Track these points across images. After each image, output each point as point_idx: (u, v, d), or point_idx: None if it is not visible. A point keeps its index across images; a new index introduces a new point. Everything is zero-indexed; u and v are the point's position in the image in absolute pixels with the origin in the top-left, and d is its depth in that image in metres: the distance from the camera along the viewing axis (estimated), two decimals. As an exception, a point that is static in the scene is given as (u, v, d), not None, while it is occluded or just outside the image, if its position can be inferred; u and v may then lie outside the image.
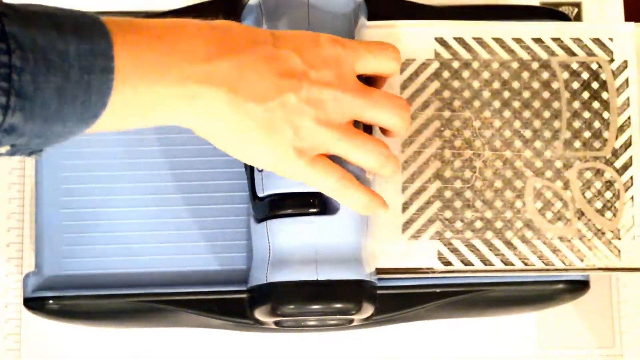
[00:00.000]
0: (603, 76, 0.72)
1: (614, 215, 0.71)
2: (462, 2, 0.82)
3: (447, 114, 0.72)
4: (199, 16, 0.74)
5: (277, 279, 0.67)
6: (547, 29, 0.73)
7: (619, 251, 0.71)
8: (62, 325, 0.75)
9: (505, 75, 0.72)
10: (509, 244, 0.70)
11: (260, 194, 0.68)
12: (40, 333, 0.77)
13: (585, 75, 0.72)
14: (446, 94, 0.72)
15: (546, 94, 0.72)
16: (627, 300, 0.79)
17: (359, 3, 0.72)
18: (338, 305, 0.67)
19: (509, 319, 0.78)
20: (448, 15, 0.75)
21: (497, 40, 0.73)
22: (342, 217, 0.67)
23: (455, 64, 0.73)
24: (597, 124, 0.72)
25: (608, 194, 0.71)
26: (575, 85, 0.72)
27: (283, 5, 0.70)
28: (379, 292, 0.70)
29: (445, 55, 0.73)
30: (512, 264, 0.70)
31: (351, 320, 0.70)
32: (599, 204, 0.71)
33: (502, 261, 0.70)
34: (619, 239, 0.71)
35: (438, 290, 0.71)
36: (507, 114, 0.72)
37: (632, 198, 0.71)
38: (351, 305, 0.67)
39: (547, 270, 0.70)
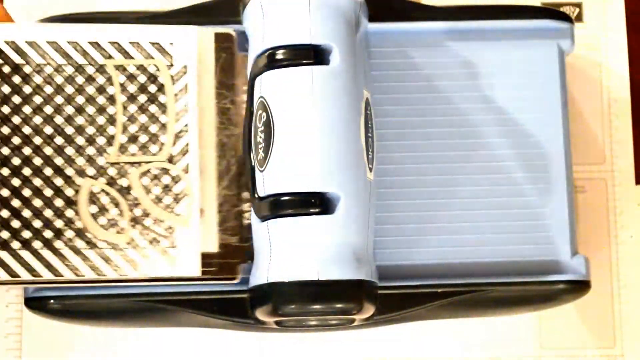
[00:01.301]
0: (161, 80, 0.71)
1: (175, 222, 0.70)
2: (462, 2, 0.82)
3: None
4: (199, 16, 0.74)
5: (278, 279, 0.67)
6: (104, 33, 0.71)
7: (174, 259, 0.70)
8: (62, 325, 0.75)
9: (59, 80, 0.71)
10: (58, 253, 0.69)
11: (261, 194, 0.69)
12: (41, 333, 0.77)
13: (142, 79, 0.71)
14: None
15: (102, 99, 0.71)
16: (628, 301, 0.79)
17: (360, 3, 0.72)
18: (339, 305, 0.67)
19: (510, 319, 0.78)
20: (448, 16, 0.75)
21: (52, 43, 0.71)
22: (343, 217, 0.67)
23: (6, 69, 0.71)
24: (154, 129, 0.71)
25: (167, 200, 0.70)
26: (132, 89, 0.71)
27: (284, 5, 0.70)
28: (380, 292, 0.70)
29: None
30: (62, 275, 0.69)
31: (352, 320, 0.70)
32: (157, 212, 0.70)
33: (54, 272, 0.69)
34: (175, 247, 0.70)
35: (439, 290, 0.71)
36: (59, 120, 0.70)
37: (188, 207, 0.71)
38: (352, 305, 0.67)
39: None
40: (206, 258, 0.71)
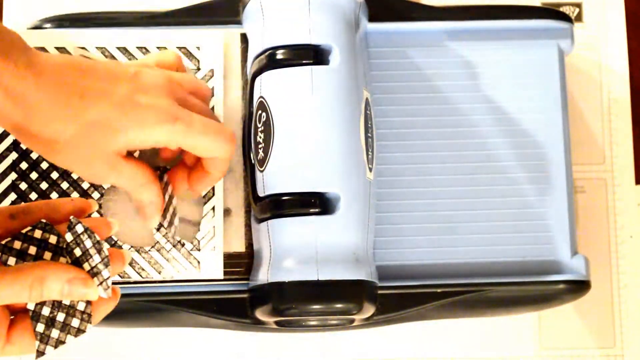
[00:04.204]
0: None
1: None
2: (463, 2, 0.82)
3: None
4: (199, 16, 0.74)
5: (278, 279, 0.67)
6: (131, 38, 0.72)
7: (199, 262, 0.70)
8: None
9: None
10: None
11: (261, 194, 0.68)
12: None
13: None
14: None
15: None
16: (627, 301, 0.79)
17: (360, 3, 0.72)
18: (339, 305, 0.67)
19: (510, 319, 0.78)
20: (448, 16, 0.75)
21: (81, 49, 0.72)
22: (343, 217, 0.67)
23: None
24: None
25: None
26: None
27: (284, 5, 0.70)
28: (379, 292, 0.70)
29: None
30: None
31: (352, 320, 0.70)
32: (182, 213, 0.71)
33: None
34: (199, 250, 0.70)
35: (439, 290, 0.71)
36: None
37: (213, 209, 0.71)
38: (352, 305, 0.67)
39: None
40: (233, 258, 0.71)
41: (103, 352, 0.78)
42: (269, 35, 0.70)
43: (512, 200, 0.73)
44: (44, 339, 0.57)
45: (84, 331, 0.58)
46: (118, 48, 0.72)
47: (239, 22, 0.73)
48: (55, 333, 0.58)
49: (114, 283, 0.58)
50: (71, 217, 0.58)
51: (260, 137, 0.69)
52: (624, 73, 0.82)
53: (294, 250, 0.67)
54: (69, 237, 0.58)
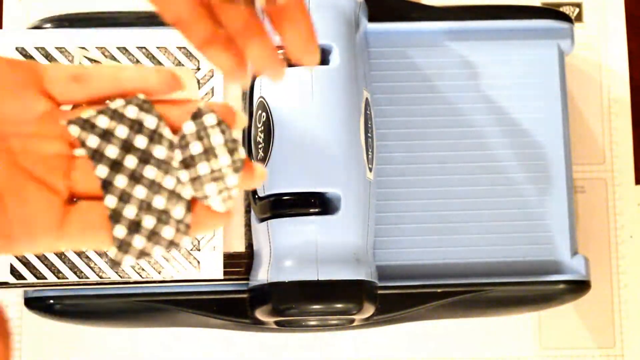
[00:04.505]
0: None
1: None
2: (463, 2, 0.82)
3: None
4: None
5: (278, 279, 0.67)
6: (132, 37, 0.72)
7: (199, 262, 0.70)
8: (62, 325, 0.75)
9: None
10: (83, 255, 0.70)
11: (261, 194, 0.68)
12: (41, 333, 0.77)
13: None
14: None
15: None
16: (627, 301, 0.79)
17: (360, 3, 0.72)
18: (339, 305, 0.67)
19: (510, 319, 0.78)
20: (448, 16, 0.75)
21: (81, 49, 0.72)
22: (343, 217, 0.67)
23: None
24: None
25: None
26: None
27: (284, 5, 0.70)
28: (379, 292, 0.70)
29: None
30: (87, 277, 0.69)
31: (352, 320, 0.70)
32: None
33: (75, 273, 0.70)
34: (199, 250, 0.70)
35: (439, 290, 0.71)
36: None
37: None
38: (352, 305, 0.67)
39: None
40: (233, 258, 0.71)
41: (103, 352, 0.78)
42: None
43: (512, 200, 0.73)
44: (123, 246, 0.47)
45: (177, 245, 0.47)
46: (118, 48, 0.72)
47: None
48: (139, 242, 0.47)
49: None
50: (201, 103, 0.48)
51: (260, 137, 0.69)
52: (624, 73, 0.82)
53: (294, 250, 0.67)
54: (189, 127, 0.47)
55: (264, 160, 0.68)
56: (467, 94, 0.74)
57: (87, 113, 0.47)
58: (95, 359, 0.78)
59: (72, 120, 0.47)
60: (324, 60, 0.69)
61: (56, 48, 0.72)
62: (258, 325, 0.71)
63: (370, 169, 0.70)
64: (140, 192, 0.47)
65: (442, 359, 0.78)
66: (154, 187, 0.47)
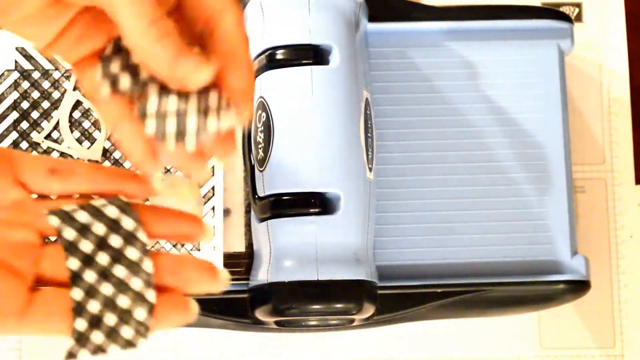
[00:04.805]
0: None
1: None
2: (463, 2, 0.82)
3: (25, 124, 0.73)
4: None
5: (278, 279, 0.67)
6: None
7: None
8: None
9: None
10: None
11: (261, 194, 0.68)
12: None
13: None
14: (25, 104, 0.73)
15: None
16: (627, 301, 0.79)
17: (360, 3, 0.72)
18: (339, 305, 0.67)
19: (510, 319, 0.78)
20: (448, 16, 0.75)
21: None
22: (343, 217, 0.67)
23: (36, 75, 0.73)
24: None
25: None
26: None
27: (284, 5, 0.70)
28: (379, 292, 0.70)
29: (26, 65, 0.73)
30: None
31: (352, 320, 0.70)
32: None
33: None
34: (199, 250, 0.70)
35: (439, 290, 0.71)
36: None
37: (213, 209, 0.71)
38: (352, 305, 0.67)
39: None
40: (233, 258, 0.71)
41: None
42: (269, 35, 0.70)
43: (512, 200, 0.73)
44: (82, 340, 0.47)
45: (134, 345, 0.49)
46: None
47: (239, 22, 0.73)
48: (98, 337, 0.47)
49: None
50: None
51: (260, 137, 0.69)
52: (624, 73, 0.82)
53: (294, 250, 0.67)
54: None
55: (264, 160, 0.68)
56: (467, 94, 0.74)
57: (69, 207, 0.48)
58: (96, 359, 0.78)
59: (53, 211, 0.48)
60: (324, 60, 0.69)
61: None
62: (258, 325, 0.71)
63: (370, 169, 0.70)
64: (107, 289, 0.48)
65: (442, 359, 0.78)
66: (122, 286, 0.48)
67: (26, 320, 0.47)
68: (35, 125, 0.74)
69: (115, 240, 0.48)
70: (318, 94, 0.68)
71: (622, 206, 0.80)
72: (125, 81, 0.48)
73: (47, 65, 0.74)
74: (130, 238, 0.48)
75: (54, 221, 0.48)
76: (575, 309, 0.79)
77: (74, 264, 0.48)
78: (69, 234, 0.48)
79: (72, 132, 0.74)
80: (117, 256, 0.48)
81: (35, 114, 0.74)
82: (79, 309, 0.47)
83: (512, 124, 0.74)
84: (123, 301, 0.48)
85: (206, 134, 0.48)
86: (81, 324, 0.47)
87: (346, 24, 0.70)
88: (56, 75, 0.74)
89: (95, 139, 0.74)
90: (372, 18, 0.74)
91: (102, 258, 0.48)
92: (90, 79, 0.49)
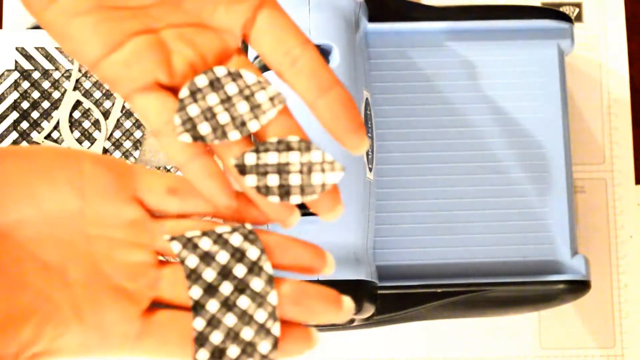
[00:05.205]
0: None
1: None
2: (463, 2, 0.82)
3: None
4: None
5: (278, 279, 0.67)
6: None
7: None
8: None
9: (87, 85, 0.72)
10: None
11: (261, 194, 0.68)
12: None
13: None
14: (25, 104, 0.73)
15: None
16: (627, 301, 0.79)
17: (360, 3, 0.72)
18: (339, 305, 0.67)
19: (510, 319, 0.78)
20: (448, 16, 0.75)
21: None
22: (343, 217, 0.67)
23: (36, 75, 0.73)
24: None
25: None
26: None
27: (283, 5, 0.70)
28: (379, 292, 0.69)
29: (26, 65, 0.73)
30: None
31: (352, 320, 0.70)
32: None
33: None
34: None
35: (439, 290, 0.71)
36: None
37: None
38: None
39: None
40: None
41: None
42: (269, 35, 0.70)
43: (512, 200, 0.73)
44: None
45: None
46: None
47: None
48: None
49: None
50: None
51: (260, 137, 0.69)
52: (624, 73, 0.82)
53: (294, 250, 0.67)
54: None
55: (264, 160, 0.68)
56: (467, 94, 0.74)
57: (191, 233, 0.47)
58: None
59: (175, 237, 0.47)
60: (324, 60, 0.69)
61: (56, 48, 0.72)
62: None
63: (370, 169, 0.70)
64: (230, 320, 0.46)
65: (442, 359, 0.78)
66: (245, 317, 0.47)
67: (141, 345, 0.46)
68: (35, 125, 0.74)
69: (239, 270, 0.47)
70: (318, 94, 0.68)
71: (622, 206, 0.80)
72: (205, 127, 0.47)
73: (47, 65, 0.74)
74: (254, 268, 0.47)
75: (176, 247, 0.47)
76: (575, 309, 0.79)
77: (196, 292, 0.46)
78: (192, 261, 0.47)
79: (72, 132, 0.74)
80: (241, 286, 0.47)
81: (35, 114, 0.74)
82: (201, 340, 0.46)
83: (512, 124, 0.74)
84: (247, 333, 0.46)
85: (312, 189, 0.48)
86: (203, 355, 0.46)
87: (346, 24, 0.70)
88: (56, 75, 0.74)
89: (95, 139, 0.74)
90: (372, 18, 0.74)
91: (226, 288, 0.47)
92: (155, 115, 0.48)
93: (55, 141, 0.74)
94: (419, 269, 0.72)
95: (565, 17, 0.76)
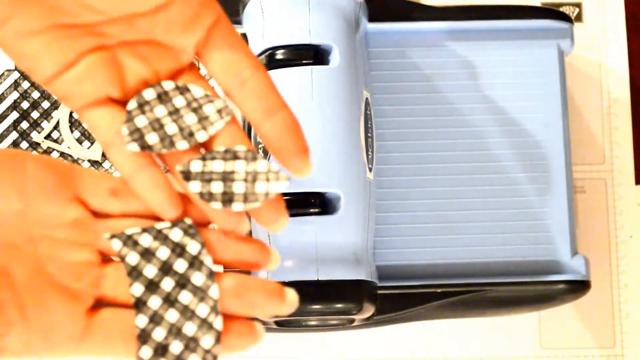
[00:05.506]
0: None
1: None
2: (463, 2, 0.82)
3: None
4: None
5: (278, 279, 0.67)
6: None
7: None
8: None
9: None
10: None
11: (261, 194, 0.68)
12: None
13: None
14: (25, 104, 0.73)
15: None
16: (627, 301, 0.79)
17: (360, 3, 0.72)
18: (339, 306, 0.67)
19: (510, 319, 0.78)
20: (448, 16, 0.75)
21: None
22: (343, 217, 0.67)
23: None
24: None
25: None
26: None
27: (284, 5, 0.70)
28: (379, 292, 0.70)
29: None
30: None
31: (352, 320, 0.70)
32: None
33: None
34: None
35: (439, 290, 0.71)
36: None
37: None
38: (352, 305, 0.67)
39: None
40: None
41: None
42: (269, 35, 0.70)
43: (512, 200, 0.73)
44: None
45: None
46: None
47: (238, 22, 0.73)
48: None
49: None
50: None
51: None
52: (624, 73, 0.82)
53: (294, 250, 0.67)
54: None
55: (264, 160, 0.68)
56: (467, 94, 0.74)
57: (131, 230, 0.47)
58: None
59: (115, 235, 0.47)
60: (324, 60, 0.69)
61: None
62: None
63: (370, 169, 0.70)
64: (172, 315, 0.47)
65: (442, 359, 0.78)
66: (187, 312, 0.47)
67: (85, 344, 0.47)
68: (35, 125, 0.74)
69: (180, 265, 0.47)
70: (318, 94, 0.68)
71: (622, 206, 0.80)
72: (152, 137, 0.48)
73: None
74: (195, 262, 0.47)
75: (117, 245, 0.47)
76: (575, 309, 0.79)
77: (137, 289, 0.47)
78: (132, 258, 0.47)
79: (72, 132, 0.74)
80: (182, 281, 0.47)
81: (35, 114, 0.74)
82: (144, 337, 0.46)
83: (512, 124, 0.74)
84: (189, 328, 0.46)
85: (255, 198, 0.48)
86: (146, 353, 0.46)
87: (346, 24, 0.70)
88: None
89: (95, 139, 0.74)
90: (372, 18, 0.74)
91: (167, 284, 0.47)
92: (105, 128, 0.48)
93: (55, 141, 0.74)
94: (418, 269, 0.72)
95: (565, 17, 0.76)
